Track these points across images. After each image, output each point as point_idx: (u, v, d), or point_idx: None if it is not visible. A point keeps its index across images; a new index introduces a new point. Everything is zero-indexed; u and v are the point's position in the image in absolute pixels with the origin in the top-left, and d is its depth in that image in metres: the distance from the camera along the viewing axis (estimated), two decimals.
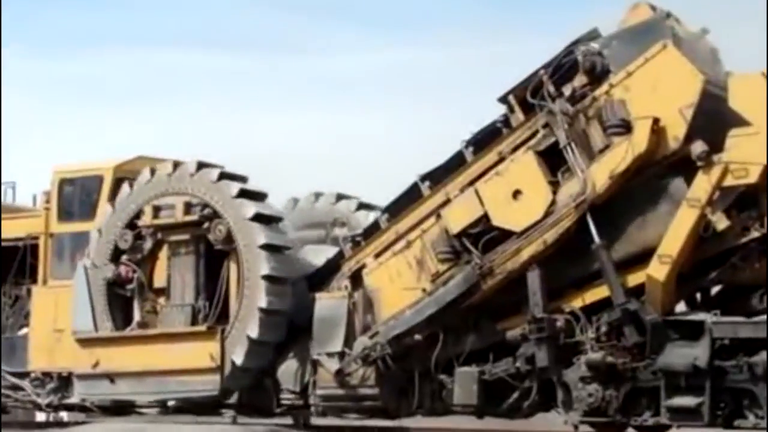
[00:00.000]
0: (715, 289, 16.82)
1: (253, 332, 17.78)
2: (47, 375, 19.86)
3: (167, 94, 50.79)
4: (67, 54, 53.58)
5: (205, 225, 18.28)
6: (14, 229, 20.70)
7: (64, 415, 21.18)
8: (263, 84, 51.05)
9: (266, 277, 17.72)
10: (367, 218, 19.40)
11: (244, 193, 18.19)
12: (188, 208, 18.37)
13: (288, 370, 18.12)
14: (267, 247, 17.87)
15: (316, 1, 52.54)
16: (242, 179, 18.52)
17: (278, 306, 17.87)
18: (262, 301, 17.70)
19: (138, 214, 18.81)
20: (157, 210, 18.61)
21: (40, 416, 22.28)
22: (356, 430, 18.71)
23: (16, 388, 20.19)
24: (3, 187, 21.77)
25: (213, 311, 18.33)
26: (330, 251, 18.54)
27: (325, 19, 55.16)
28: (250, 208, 18.01)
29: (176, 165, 18.75)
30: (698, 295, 16.98)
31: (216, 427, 18.12)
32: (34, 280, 20.36)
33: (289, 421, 19.02)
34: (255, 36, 53.95)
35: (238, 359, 17.87)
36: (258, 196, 18.41)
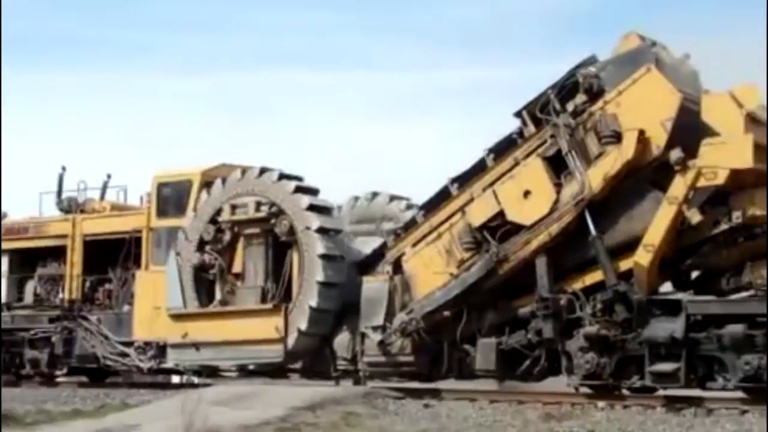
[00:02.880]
0: (695, 273, 17.17)
1: (303, 325, 18.64)
2: (148, 344, 20.85)
3: (272, 110, 51.12)
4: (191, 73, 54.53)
5: (272, 221, 19.13)
6: (122, 225, 21.76)
7: (194, 379, 21.71)
8: (354, 98, 51.42)
9: (322, 256, 18.57)
10: None
11: (313, 207, 18.95)
12: (258, 206, 19.23)
13: (342, 341, 18.88)
14: (324, 256, 18.62)
15: (399, 23, 53.08)
16: (313, 192, 19.25)
17: (326, 305, 18.68)
18: (313, 301, 18.57)
19: (219, 212, 19.67)
20: (233, 208, 19.51)
21: (175, 379, 23.10)
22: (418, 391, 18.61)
23: (123, 354, 21.24)
24: (116, 190, 23.20)
25: (279, 292, 19.18)
26: (377, 242, 19.20)
27: (405, 39, 55.48)
28: (316, 221, 18.79)
29: (263, 171, 19.52)
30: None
31: (321, 388, 18.26)
32: (138, 266, 21.36)
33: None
34: (342, 54, 54.38)
35: (303, 326, 18.67)
36: (324, 210, 19.16)
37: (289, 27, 55.42)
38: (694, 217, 16.10)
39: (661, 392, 16.57)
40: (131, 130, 42.46)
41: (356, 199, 21.35)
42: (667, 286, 17.24)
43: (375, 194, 21.27)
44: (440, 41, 54.86)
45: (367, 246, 19.40)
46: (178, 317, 19.99)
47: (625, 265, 16.61)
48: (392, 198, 21.09)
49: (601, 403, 16.24)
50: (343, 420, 15.40)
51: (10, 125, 47.57)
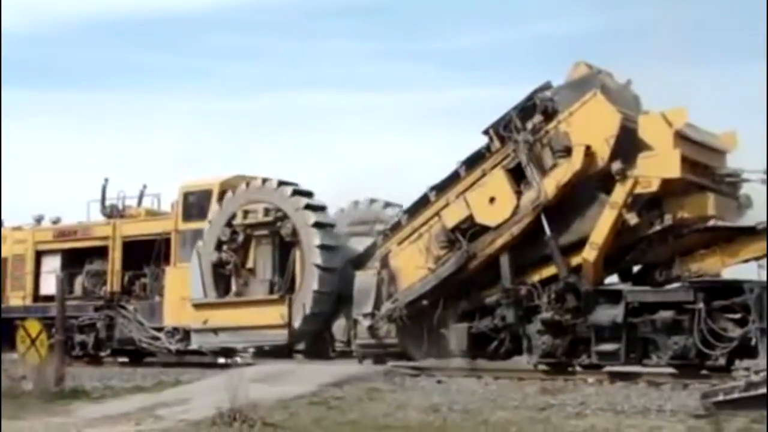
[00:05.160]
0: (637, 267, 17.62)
1: (308, 306, 19.26)
2: (176, 329, 21.36)
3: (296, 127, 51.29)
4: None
5: (278, 224, 19.68)
6: (155, 228, 22.29)
7: (237, 359, 21.79)
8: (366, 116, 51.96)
9: (318, 267, 19.14)
10: None
11: (309, 206, 19.55)
12: (267, 211, 19.81)
13: (339, 326, 19.41)
14: (321, 246, 19.23)
15: (404, 47, 53.18)
16: (309, 194, 19.81)
17: (326, 288, 19.28)
18: (315, 285, 19.21)
19: (233, 216, 20.27)
20: (246, 213, 20.10)
21: (221, 360, 22.77)
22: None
23: (155, 338, 21.78)
24: (150, 198, 23.70)
25: (284, 284, 19.76)
26: (369, 241, 19.66)
27: (413, 61, 55.70)
28: (311, 217, 19.44)
29: (264, 181, 20.21)
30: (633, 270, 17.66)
31: (347, 367, 18.25)
32: (168, 263, 21.91)
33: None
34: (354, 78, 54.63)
35: (297, 324, 19.33)
36: (318, 208, 19.72)
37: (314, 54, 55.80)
38: (633, 219, 16.53)
39: (606, 368, 16.87)
40: (171, 144, 42.90)
41: (356, 203, 21.50)
42: (614, 279, 17.59)
43: (372, 200, 21.45)
44: (442, 66, 55.19)
45: (361, 245, 19.84)
46: (199, 306, 20.55)
47: (575, 260, 17.07)
48: (386, 204, 21.26)
49: (590, 379, 16.44)
50: (366, 394, 15.54)
51: (64, 142, 48.68)
